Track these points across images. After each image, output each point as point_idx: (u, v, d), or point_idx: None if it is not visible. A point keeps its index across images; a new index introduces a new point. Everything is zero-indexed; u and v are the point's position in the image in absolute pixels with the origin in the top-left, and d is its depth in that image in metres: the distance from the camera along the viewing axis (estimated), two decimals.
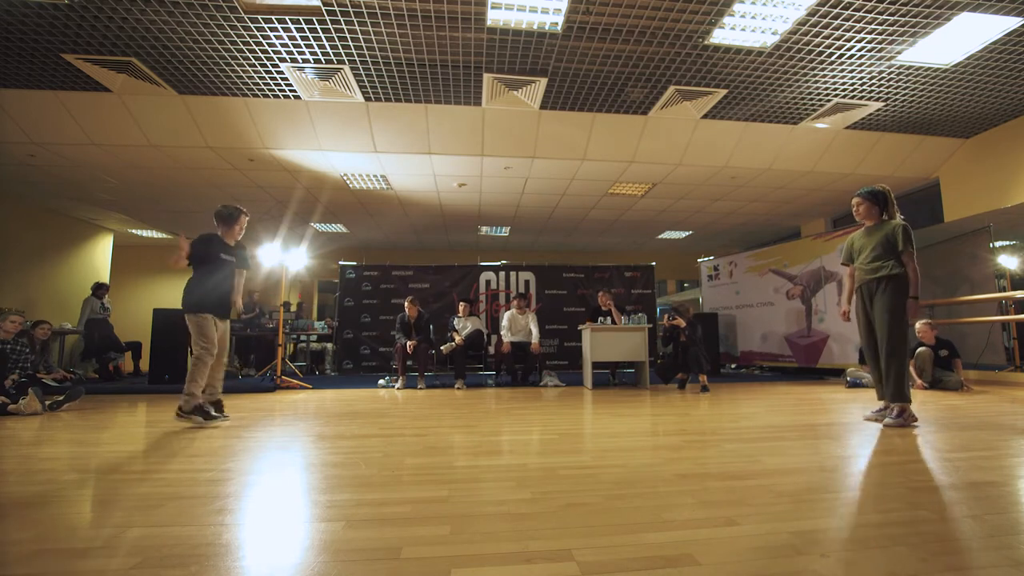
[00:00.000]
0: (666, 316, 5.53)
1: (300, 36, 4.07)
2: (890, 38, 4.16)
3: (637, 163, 6.26)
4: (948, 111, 5.52)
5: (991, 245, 6.63)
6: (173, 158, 5.84)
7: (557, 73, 4.68)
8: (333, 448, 2.48)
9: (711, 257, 8.73)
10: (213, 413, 3.34)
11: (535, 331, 6.23)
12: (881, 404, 3.19)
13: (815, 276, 6.84)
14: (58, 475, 2.00)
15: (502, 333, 6.32)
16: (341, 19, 3.86)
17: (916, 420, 2.97)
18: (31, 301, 7.29)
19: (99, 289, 7.25)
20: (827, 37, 4.15)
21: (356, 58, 4.39)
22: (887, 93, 5.09)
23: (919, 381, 5.23)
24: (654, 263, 8.70)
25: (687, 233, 9.97)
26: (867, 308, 3.19)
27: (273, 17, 3.83)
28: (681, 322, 5.30)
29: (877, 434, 2.72)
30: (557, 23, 3.95)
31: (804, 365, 6.90)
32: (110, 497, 1.72)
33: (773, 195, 7.58)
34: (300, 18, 3.85)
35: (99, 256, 8.88)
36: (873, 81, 4.85)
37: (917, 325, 5.50)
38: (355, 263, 8.23)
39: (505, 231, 9.73)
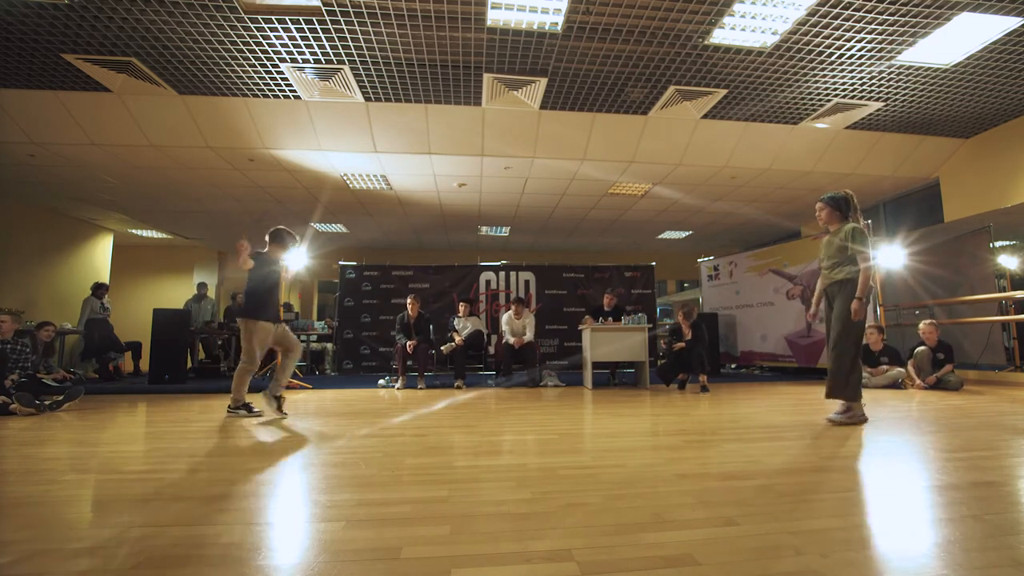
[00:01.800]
0: (664, 340, 5.53)
1: (300, 36, 4.07)
2: (890, 38, 4.16)
3: (637, 163, 6.26)
4: (948, 111, 5.52)
5: (991, 245, 6.63)
6: (173, 158, 5.84)
7: (557, 73, 4.68)
8: (333, 448, 2.48)
9: (711, 257, 8.73)
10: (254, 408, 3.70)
11: (530, 332, 6.25)
12: (840, 405, 3.21)
13: (815, 276, 6.82)
14: (58, 475, 2.00)
15: (504, 335, 6.34)
16: (341, 19, 3.86)
17: (866, 419, 3.03)
18: (31, 301, 7.29)
19: (99, 289, 7.25)
20: (827, 37, 4.15)
21: (356, 58, 4.39)
22: (887, 93, 5.09)
23: (918, 381, 5.23)
24: (654, 263, 8.71)
25: (687, 233, 9.97)
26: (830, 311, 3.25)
27: (273, 17, 3.83)
28: (683, 345, 5.31)
29: (877, 434, 2.72)
30: (557, 23, 3.95)
31: (804, 365, 6.90)
32: (110, 497, 1.72)
33: (773, 195, 7.58)
34: (300, 18, 3.85)
35: (99, 256, 8.88)
36: (873, 81, 4.85)
37: (921, 325, 5.51)
38: (355, 263, 8.23)
39: (505, 231, 9.73)
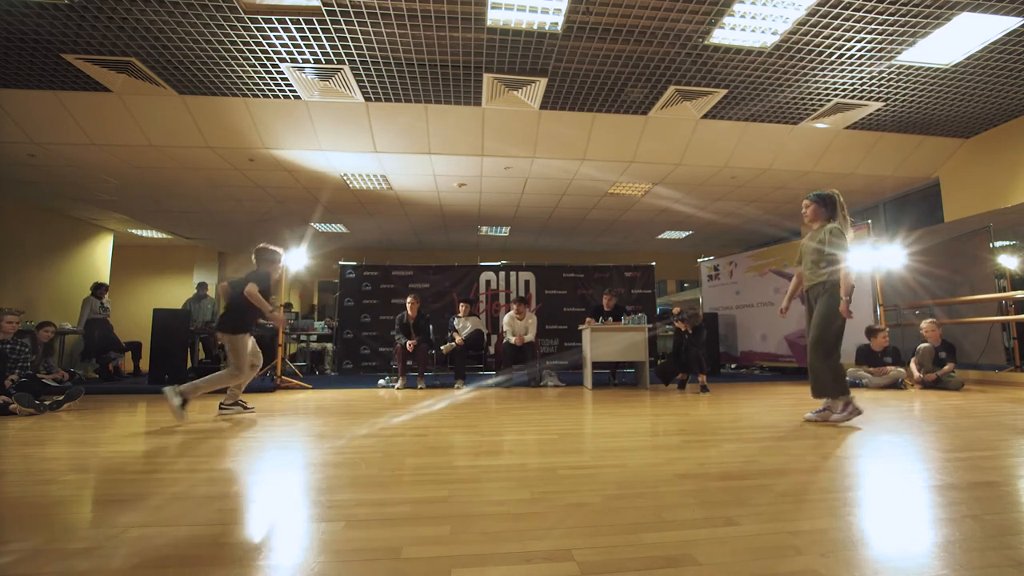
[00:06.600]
0: (673, 317, 5.54)
1: (300, 36, 4.07)
2: (890, 38, 4.16)
3: (637, 163, 6.26)
4: (948, 111, 5.52)
5: (991, 245, 6.62)
6: (173, 158, 5.84)
7: (557, 73, 4.68)
8: (333, 448, 2.48)
9: (711, 257, 8.73)
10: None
11: (531, 333, 6.26)
12: (822, 404, 3.21)
13: None
14: (58, 475, 2.00)
15: (505, 334, 6.35)
16: (341, 19, 3.86)
17: (860, 411, 3.02)
18: (31, 301, 7.29)
19: (98, 289, 7.26)
20: (827, 37, 4.15)
21: (356, 58, 4.39)
22: (887, 93, 5.09)
23: (917, 375, 5.25)
24: (654, 263, 8.70)
25: (687, 233, 9.97)
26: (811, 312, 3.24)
27: (273, 17, 3.83)
28: (682, 325, 5.32)
29: (877, 434, 2.72)
30: (557, 23, 3.95)
31: (804, 365, 6.88)
32: (110, 497, 1.72)
33: (773, 195, 7.57)
34: (300, 18, 3.84)
35: (99, 256, 8.88)
36: (873, 81, 4.85)
37: (923, 324, 5.53)
38: (355, 263, 8.23)
39: (505, 231, 9.73)
